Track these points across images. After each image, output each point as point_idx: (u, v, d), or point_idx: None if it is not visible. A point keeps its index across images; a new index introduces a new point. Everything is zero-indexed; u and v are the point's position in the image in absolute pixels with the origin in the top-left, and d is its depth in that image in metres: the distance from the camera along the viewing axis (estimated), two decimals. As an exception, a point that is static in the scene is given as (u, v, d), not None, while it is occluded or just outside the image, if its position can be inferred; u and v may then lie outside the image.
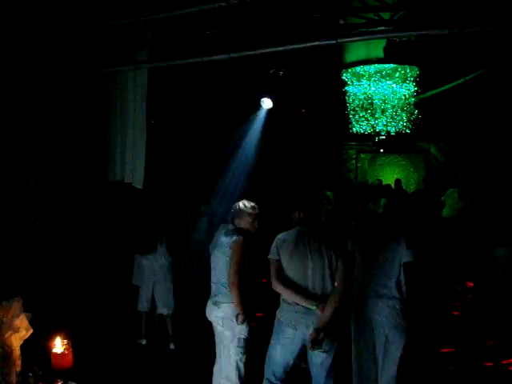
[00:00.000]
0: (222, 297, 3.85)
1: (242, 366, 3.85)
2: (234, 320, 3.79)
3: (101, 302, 6.10)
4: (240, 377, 3.84)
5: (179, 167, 9.36)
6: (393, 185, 10.54)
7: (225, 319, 3.83)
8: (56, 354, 2.76)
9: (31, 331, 2.73)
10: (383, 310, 3.91)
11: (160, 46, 6.21)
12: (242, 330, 3.81)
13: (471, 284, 7.20)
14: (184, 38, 6.39)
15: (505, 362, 5.13)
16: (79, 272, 5.83)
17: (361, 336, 4.04)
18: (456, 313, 6.76)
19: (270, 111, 9.75)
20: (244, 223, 3.96)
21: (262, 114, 10.02)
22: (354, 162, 13.40)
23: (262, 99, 9.15)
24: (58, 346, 2.77)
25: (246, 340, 3.85)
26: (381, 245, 4.03)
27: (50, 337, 2.81)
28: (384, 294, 3.92)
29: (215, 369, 3.99)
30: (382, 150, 12.80)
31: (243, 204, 3.99)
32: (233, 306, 3.80)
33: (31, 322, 2.75)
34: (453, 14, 5.52)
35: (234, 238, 3.84)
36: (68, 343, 2.80)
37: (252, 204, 4.00)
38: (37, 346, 2.90)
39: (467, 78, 8.44)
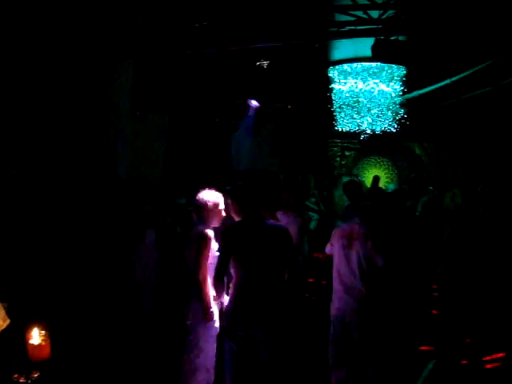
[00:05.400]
0: (193, 291, 3.84)
1: (208, 362, 3.82)
2: (203, 316, 3.76)
3: (81, 293, 6.02)
4: (206, 373, 3.82)
5: (169, 161, 9.39)
6: (370, 182, 10.61)
7: (194, 314, 3.82)
8: (33, 345, 2.71)
9: (8, 322, 2.69)
10: (353, 310, 3.91)
11: (147, 37, 6.16)
12: (209, 327, 3.78)
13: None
14: (172, 31, 6.35)
15: (481, 360, 5.20)
16: (58, 262, 5.73)
17: (336, 336, 4.05)
18: (435, 311, 6.82)
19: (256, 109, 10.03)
20: (208, 215, 3.92)
21: (250, 114, 10.22)
22: (338, 159, 13.45)
23: (250, 100, 9.52)
24: (36, 337, 2.73)
25: (214, 338, 3.82)
26: (348, 244, 4.04)
27: (27, 328, 2.76)
28: (352, 294, 3.94)
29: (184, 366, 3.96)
30: (365, 149, 12.91)
31: (203, 196, 3.95)
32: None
33: (8, 313, 2.70)
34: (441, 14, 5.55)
35: (198, 232, 3.82)
36: (46, 334, 2.75)
37: (212, 195, 3.94)
38: (14, 337, 2.85)
39: (453, 79, 8.51)
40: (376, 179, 10.60)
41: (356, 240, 3.98)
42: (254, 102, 9.95)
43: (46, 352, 2.73)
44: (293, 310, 4.07)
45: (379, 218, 4.16)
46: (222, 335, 3.73)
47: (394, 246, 4.14)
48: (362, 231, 4.00)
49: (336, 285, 4.07)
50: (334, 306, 4.07)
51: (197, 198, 3.97)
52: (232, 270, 3.64)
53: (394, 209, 6.63)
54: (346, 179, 10.62)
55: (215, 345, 3.86)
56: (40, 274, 5.13)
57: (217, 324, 3.81)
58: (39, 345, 2.72)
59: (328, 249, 4.32)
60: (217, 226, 3.95)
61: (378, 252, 3.91)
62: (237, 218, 3.73)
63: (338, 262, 4.08)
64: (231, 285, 3.66)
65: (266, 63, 8.47)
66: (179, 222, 6.82)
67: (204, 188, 4.02)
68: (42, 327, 2.77)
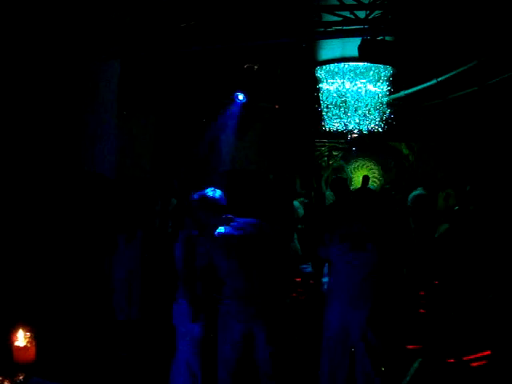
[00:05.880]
0: (180, 292, 3.83)
1: (193, 365, 3.80)
2: (190, 317, 3.73)
3: (66, 294, 5.97)
4: (191, 377, 3.79)
5: (156, 162, 9.39)
6: (360, 181, 10.65)
7: (179, 315, 3.81)
8: (18, 347, 2.67)
9: (-8, 324, 2.65)
10: (357, 314, 3.83)
11: (134, 37, 6.14)
12: (193, 329, 3.75)
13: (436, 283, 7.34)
14: (159, 30, 6.33)
15: (466, 359, 5.24)
16: (43, 263, 5.68)
17: (331, 337, 3.96)
18: (422, 311, 6.87)
19: (243, 106, 10.02)
20: (199, 216, 3.83)
21: (236, 108, 10.21)
22: (326, 159, 13.48)
23: (237, 93, 9.50)
24: (21, 338, 2.69)
25: (199, 340, 3.80)
26: (354, 246, 3.83)
27: (12, 329, 2.72)
28: (359, 298, 3.80)
29: (172, 367, 3.95)
30: (354, 149, 12.97)
31: (193, 197, 3.93)
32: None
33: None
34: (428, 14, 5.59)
35: (187, 232, 3.81)
36: (31, 336, 2.72)
37: (202, 195, 3.83)
38: (-2, 339, 2.82)
39: (439, 79, 8.58)
40: (365, 179, 10.65)
41: (366, 241, 3.80)
42: (240, 96, 9.92)
43: (32, 354, 2.69)
44: (280, 307, 4.01)
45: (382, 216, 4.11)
46: (218, 336, 3.72)
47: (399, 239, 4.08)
48: (370, 231, 3.85)
49: (337, 290, 3.91)
50: (334, 310, 3.89)
51: (190, 199, 3.96)
52: (220, 274, 3.66)
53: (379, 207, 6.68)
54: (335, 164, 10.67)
55: (200, 346, 3.84)
56: (25, 275, 5.07)
57: (203, 326, 3.79)
58: (24, 347, 2.68)
59: (323, 253, 4.11)
60: (208, 226, 3.92)
61: (396, 248, 3.83)
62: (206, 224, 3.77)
63: (341, 265, 3.87)
64: (224, 287, 3.67)
65: (255, 67, 8.53)
66: (171, 222, 6.81)
67: (195, 189, 4.00)
68: (27, 329, 2.73)
